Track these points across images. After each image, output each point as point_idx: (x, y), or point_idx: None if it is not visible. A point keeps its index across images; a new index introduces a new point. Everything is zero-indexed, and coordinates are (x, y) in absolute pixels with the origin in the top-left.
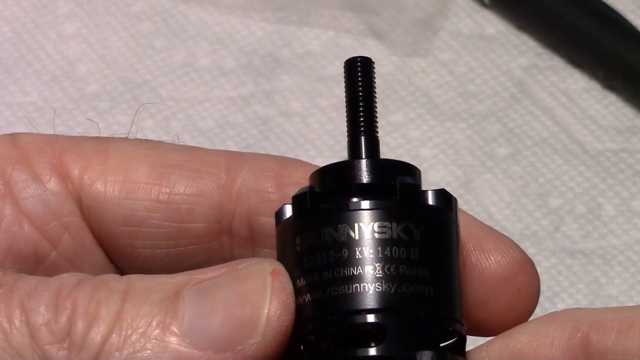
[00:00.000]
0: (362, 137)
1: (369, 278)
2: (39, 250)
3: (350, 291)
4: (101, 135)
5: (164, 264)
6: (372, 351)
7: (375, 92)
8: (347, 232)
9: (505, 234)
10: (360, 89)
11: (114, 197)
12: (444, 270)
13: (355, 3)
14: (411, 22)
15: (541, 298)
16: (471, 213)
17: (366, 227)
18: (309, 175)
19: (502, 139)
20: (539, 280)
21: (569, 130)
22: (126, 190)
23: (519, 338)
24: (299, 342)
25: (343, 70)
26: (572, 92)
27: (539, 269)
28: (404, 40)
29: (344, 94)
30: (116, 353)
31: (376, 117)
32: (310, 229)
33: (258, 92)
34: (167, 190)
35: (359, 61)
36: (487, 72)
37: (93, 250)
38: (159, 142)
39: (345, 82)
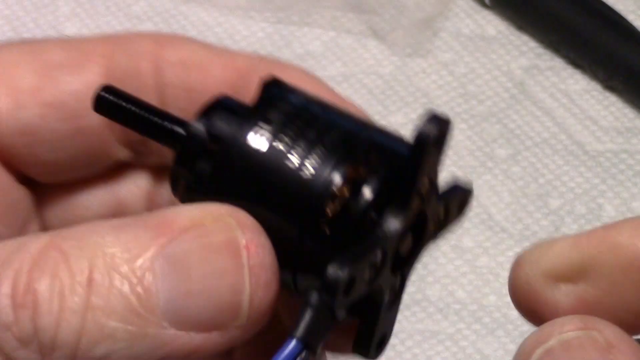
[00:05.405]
0: None
1: None
2: None
3: None
4: None
5: (71, 168)
6: None
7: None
8: None
9: (506, 234)
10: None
11: (2, 111)
12: None
13: (356, 3)
14: (412, 22)
15: None
16: (471, 214)
17: None
18: (192, 53)
19: (503, 139)
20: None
21: (570, 131)
22: (14, 101)
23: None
24: None
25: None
26: (573, 93)
27: None
28: (405, 41)
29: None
30: (94, 348)
31: None
32: None
33: None
34: (54, 92)
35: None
36: (488, 72)
37: None
38: (41, 40)
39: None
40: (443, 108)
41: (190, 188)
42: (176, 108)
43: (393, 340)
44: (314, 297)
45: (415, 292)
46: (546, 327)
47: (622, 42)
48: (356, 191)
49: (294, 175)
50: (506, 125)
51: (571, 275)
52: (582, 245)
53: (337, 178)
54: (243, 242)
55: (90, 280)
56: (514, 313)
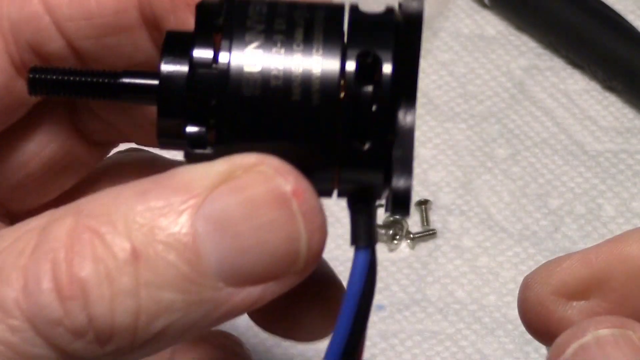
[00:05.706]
0: None
1: None
2: None
3: None
4: None
5: None
6: None
7: None
8: None
9: (505, 234)
10: None
11: None
12: None
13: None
14: None
15: None
16: (471, 213)
17: None
18: None
19: (502, 139)
20: None
21: (569, 131)
22: None
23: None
24: None
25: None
26: (572, 93)
27: None
28: None
29: None
30: (152, 324)
31: None
32: None
33: None
34: None
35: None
36: (487, 72)
37: None
38: None
39: None
40: (443, 108)
41: (196, 146)
42: (83, 37)
43: (393, 341)
44: (360, 205)
45: (415, 292)
46: (582, 324)
47: (621, 42)
48: (372, 76)
49: (304, 88)
50: (506, 125)
51: (582, 291)
52: (591, 260)
53: (350, 68)
54: (288, 189)
55: (135, 256)
56: (514, 313)
